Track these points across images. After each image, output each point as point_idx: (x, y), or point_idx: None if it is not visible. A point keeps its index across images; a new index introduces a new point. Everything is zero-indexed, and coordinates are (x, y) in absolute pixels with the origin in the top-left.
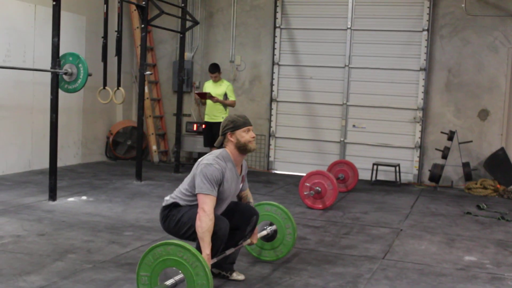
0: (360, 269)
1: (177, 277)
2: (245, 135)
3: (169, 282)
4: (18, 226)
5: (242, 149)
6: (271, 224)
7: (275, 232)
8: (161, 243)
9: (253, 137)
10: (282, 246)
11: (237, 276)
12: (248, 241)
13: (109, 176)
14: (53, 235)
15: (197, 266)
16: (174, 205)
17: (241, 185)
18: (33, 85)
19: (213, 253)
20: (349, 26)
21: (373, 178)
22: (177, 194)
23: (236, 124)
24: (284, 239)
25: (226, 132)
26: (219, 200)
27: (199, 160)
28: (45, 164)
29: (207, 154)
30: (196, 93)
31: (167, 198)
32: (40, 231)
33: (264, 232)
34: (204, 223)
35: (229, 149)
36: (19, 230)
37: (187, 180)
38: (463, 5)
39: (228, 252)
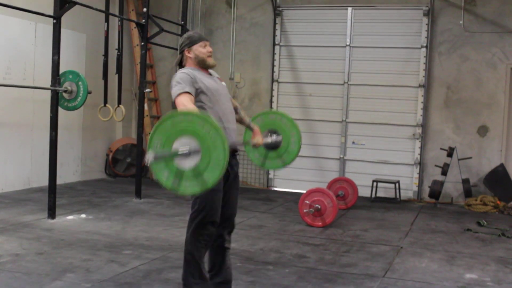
0: (361, 287)
1: (193, 147)
2: (202, 49)
3: (182, 149)
4: (17, 244)
5: (202, 63)
6: (275, 133)
7: (279, 142)
8: (182, 112)
9: (210, 51)
10: (287, 154)
11: None
12: (254, 141)
13: (109, 194)
14: (52, 254)
15: (216, 139)
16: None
17: (223, 83)
18: (33, 103)
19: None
20: (348, 43)
21: (373, 195)
22: None
23: (192, 39)
24: (289, 146)
25: (184, 49)
26: (211, 97)
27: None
28: (44, 181)
29: None
30: None
31: None
32: (39, 250)
33: (269, 139)
34: (185, 107)
35: (190, 65)
36: (18, 249)
37: None
38: (461, 22)
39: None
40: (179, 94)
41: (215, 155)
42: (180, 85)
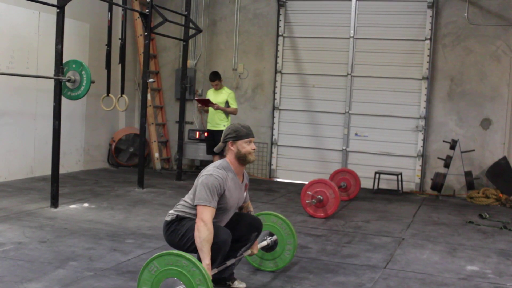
0: (362, 278)
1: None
2: (246, 146)
3: None
4: (20, 233)
5: (242, 159)
6: (271, 234)
7: (275, 243)
8: (160, 254)
9: (254, 149)
10: (279, 259)
11: (238, 284)
12: (249, 251)
13: (111, 183)
14: (55, 242)
15: (197, 275)
16: (178, 219)
17: (244, 194)
18: (36, 92)
19: (214, 263)
20: (352, 35)
21: (375, 187)
22: (179, 208)
23: (239, 134)
24: (283, 253)
25: (228, 141)
26: (223, 210)
27: (202, 171)
28: (47, 170)
29: (209, 165)
30: (197, 100)
31: (170, 212)
32: (42, 238)
33: (265, 243)
34: (202, 233)
35: (229, 158)
36: (21, 237)
37: (190, 192)
38: (465, 14)
39: (228, 262)
40: (202, 205)
41: None
42: (209, 196)
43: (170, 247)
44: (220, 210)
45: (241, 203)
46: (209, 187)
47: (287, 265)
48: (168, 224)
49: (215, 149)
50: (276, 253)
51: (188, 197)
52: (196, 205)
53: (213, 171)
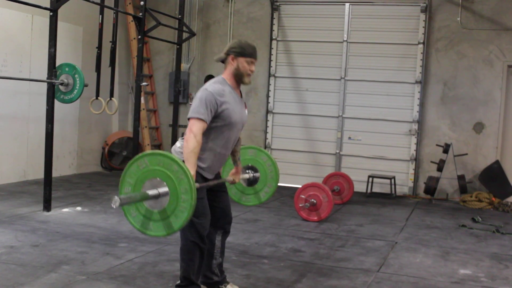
0: (355, 282)
1: (161, 189)
2: (246, 65)
3: (151, 192)
4: (12, 236)
5: (238, 77)
6: (252, 168)
7: (257, 178)
8: (154, 152)
9: (252, 71)
10: (266, 188)
11: (231, 287)
12: (231, 178)
13: (104, 187)
14: (47, 246)
15: (184, 183)
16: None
17: (246, 111)
18: (29, 95)
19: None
20: (345, 39)
21: (369, 191)
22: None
23: (243, 51)
24: (267, 181)
25: (230, 54)
26: (228, 125)
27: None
28: (40, 174)
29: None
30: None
31: (178, 145)
32: (34, 242)
33: (246, 175)
34: (191, 143)
35: (225, 75)
36: (13, 241)
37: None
38: (458, 19)
39: (211, 183)
40: (194, 118)
41: (183, 196)
42: (201, 107)
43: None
44: (225, 126)
45: (245, 120)
46: (204, 101)
47: (279, 269)
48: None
49: (215, 58)
50: (259, 186)
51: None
52: (188, 118)
53: (208, 86)
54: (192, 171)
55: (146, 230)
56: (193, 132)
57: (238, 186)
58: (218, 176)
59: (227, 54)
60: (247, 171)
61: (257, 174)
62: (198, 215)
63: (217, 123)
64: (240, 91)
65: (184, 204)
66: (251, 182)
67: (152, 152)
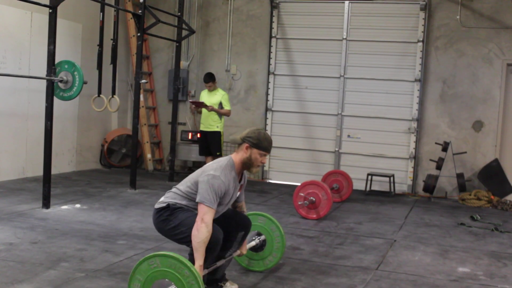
0: (354, 279)
1: None
2: (258, 157)
3: None
4: (11, 233)
5: (247, 166)
6: (259, 234)
7: (264, 243)
8: (166, 254)
9: (263, 163)
10: (268, 260)
11: (230, 285)
12: (238, 251)
13: (103, 184)
14: (46, 243)
15: (189, 277)
16: (170, 208)
17: (238, 193)
18: (28, 92)
19: (205, 263)
20: (344, 37)
21: (368, 188)
22: (170, 196)
23: (260, 144)
24: (271, 254)
25: (246, 142)
26: (218, 205)
27: (205, 167)
28: (39, 171)
29: (213, 162)
30: (191, 102)
31: (161, 199)
32: (33, 239)
33: (253, 243)
34: (202, 233)
35: (235, 158)
36: (12, 238)
37: (184, 181)
38: (458, 17)
39: (219, 263)
40: (207, 206)
41: None
42: (214, 198)
43: (159, 242)
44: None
45: (233, 201)
46: (215, 189)
47: (278, 266)
48: (159, 212)
49: (230, 139)
50: (265, 253)
51: (181, 186)
52: (199, 203)
53: (220, 172)
54: (201, 261)
55: None
56: (205, 222)
57: (247, 254)
58: None
59: (243, 141)
60: (253, 237)
61: (262, 237)
62: (212, 245)
63: None
64: (243, 174)
65: None
66: (259, 247)
67: (164, 254)
